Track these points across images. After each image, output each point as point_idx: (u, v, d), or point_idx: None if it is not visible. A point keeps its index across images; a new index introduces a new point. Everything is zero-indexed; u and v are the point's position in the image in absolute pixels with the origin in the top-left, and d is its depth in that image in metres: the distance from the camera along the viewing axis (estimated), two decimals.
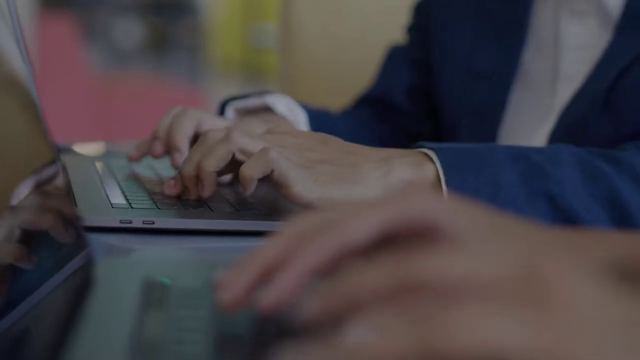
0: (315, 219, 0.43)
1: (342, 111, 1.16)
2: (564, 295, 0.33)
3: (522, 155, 0.80)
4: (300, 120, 1.02)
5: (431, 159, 0.77)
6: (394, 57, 1.17)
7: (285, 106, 1.00)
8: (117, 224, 0.72)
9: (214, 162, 0.75)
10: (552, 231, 0.51)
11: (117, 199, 0.79)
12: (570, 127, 0.93)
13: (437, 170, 0.77)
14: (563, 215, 0.78)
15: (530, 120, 1.00)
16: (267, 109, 1.00)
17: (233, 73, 5.84)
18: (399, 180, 0.76)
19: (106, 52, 3.75)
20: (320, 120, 1.04)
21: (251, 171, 0.72)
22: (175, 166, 0.86)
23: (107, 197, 0.80)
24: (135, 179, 0.90)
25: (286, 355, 0.33)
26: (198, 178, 0.77)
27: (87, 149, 1.12)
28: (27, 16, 2.66)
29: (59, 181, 0.59)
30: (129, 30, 3.83)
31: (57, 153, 0.58)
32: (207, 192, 0.76)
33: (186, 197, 0.79)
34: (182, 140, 0.86)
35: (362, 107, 1.16)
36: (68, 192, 0.61)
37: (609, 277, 0.35)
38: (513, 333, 0.31)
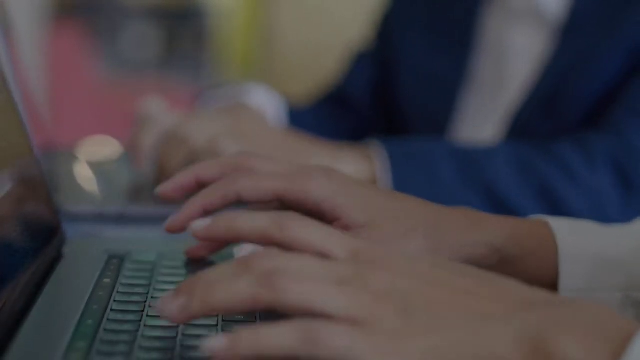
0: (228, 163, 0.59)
1: (307, 106, 1.22)
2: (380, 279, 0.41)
3: (460, 149, 0.89)
4: (271, 112, 1.08)
5: (377, 153, 0.86)
6: (357, 58, 1.23)
7: (258, 103, 1.08)
8: (93, 212, 0.82)
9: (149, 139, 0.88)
10: (440, 212, 0.58)
11: (96, 191, 0.90)
12: (516, 130, 1.00)
13: (382, 163, 0.86)
14: (498, 203, 0.87)
15: (479, 123, 1.07)
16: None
17: (244, 77, 5.91)
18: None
19: (116, 59, 3.83)
20: (293, 115, 1.13)
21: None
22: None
23: (88, 189, 0.91)
24: (115, 175, 1.00)
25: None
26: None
27: (86, 149, 1.22)
28: (39, 24, 2.73)
29: (38, 175, 0.69)
30: (139, 37, 3.91)
31: (35, 151, 0.68)
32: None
33: None
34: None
35: (324, 103, 1.22)
36: (46, 185, 0.70)
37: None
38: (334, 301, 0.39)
